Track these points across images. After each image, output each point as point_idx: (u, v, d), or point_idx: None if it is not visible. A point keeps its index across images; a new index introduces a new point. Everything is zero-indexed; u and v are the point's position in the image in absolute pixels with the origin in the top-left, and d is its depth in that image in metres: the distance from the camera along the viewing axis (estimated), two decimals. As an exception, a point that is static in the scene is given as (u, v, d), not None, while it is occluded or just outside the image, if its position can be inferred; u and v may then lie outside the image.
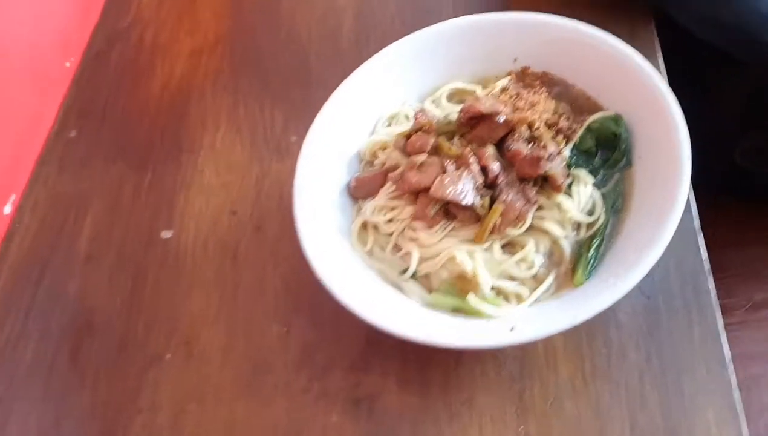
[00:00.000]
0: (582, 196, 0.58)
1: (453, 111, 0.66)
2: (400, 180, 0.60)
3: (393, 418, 0.57)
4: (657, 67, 0.68)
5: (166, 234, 0.77)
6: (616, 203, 0.59)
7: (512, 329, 0.51)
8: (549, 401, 0.55)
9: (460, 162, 0.59)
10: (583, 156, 0.61)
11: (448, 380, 0.58)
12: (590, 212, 0.59)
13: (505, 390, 0.56)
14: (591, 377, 0.55)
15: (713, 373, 0.54)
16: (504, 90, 0.66)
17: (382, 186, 0.64)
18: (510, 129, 0.60)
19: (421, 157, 0.59)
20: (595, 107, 0.64)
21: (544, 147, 0.58)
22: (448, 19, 0.70)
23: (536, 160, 0.57)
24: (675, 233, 0.50)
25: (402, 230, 0.61)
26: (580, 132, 0.61)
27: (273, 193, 0.76)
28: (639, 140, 0.60)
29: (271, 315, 0.66)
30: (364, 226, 0.64)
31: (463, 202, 0.56)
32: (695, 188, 0.58)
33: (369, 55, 0.70)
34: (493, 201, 0.58)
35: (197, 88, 0.90)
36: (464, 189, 0.57)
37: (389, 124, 0.69)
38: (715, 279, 0.58)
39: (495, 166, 0.58)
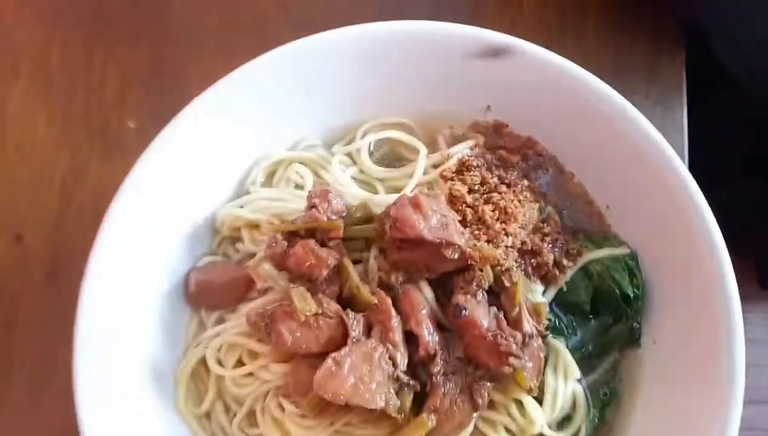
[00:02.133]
0: (558, 399, 0.36)
1: (377, 180, 0.42)
2: (266, 329, 0.35)
3: None
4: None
5: None
6: (607, 401, 0.37)
7: None
8: None
9: (374, 319, 0.34)
10: (568, 314, 0.38)
11: None
12: (566, 419, 0.37)
13: None
14: None
15: None
16: (464, 168, 0.40)
17: (241, 298, 0.39)
18: (463, 268, 0.35)
19: (309, 307, 0.34)
20: (600, 225, 0.40)
21: (517, 322, 0.34)
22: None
23: (502, 356, 0.33)
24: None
25: (263, 394, 0.37)
26: (570, 273, 0.38)
27: (83, 215, 0.49)
28: (660, 306, 0.38)
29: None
30: (203, 363, 0.39)
31: (370, 406, 0.32)
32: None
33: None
34: (418, 398, 0.34)
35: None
36: (374, 383, 0.33)
37: (270, 176, 0.43)
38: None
39: (431, 340, 0.34)
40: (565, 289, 0.39)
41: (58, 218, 0.51)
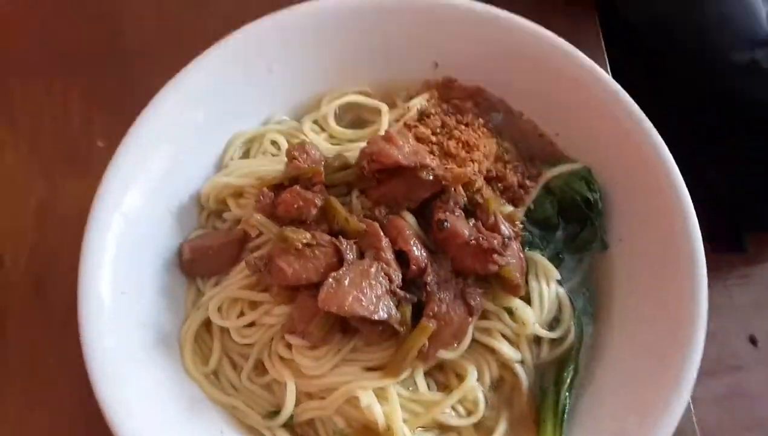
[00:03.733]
0: (545, 300, 0.39)
1: (348, 142, 0.45)
2: (266, 268, 0.37)
3: None
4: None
5: None
6: (588, 308, 0.40)
7: None
8: None
9: (365, 244, 0.37)
10: (539, 229, 0.42)
11: None
12: (555, 321, 0.40)
13: None
14: None
15: None
16: (424, 116, 0.44)
17: (234, 261, 0.40)
18: (439, 190, 0.38)
19: (302, 236, 0.36)
20: (554, 153, 0.45)
21: (494, 228, 0.37)
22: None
23: (486, 253, 0.36)
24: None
25: (269, 340, 0.38)
26: (535, 193, 0.42)
27: (65, 227, 0.48)
28: (619, 209, 0.42)
29: None
30: (206, 327, 0.40)
31: (374, 317, 0.34)
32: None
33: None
34: (416, 309, 0.36)
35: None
36: (374, 296, 0.35)
37: (246, 154, 0.45)
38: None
39: (420, 255, 0.37)
40: (532, 207, 0.42)
41: (39, 236, 0.51)
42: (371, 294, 0.35)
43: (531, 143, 0.45)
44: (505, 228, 0.38)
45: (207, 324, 0.41)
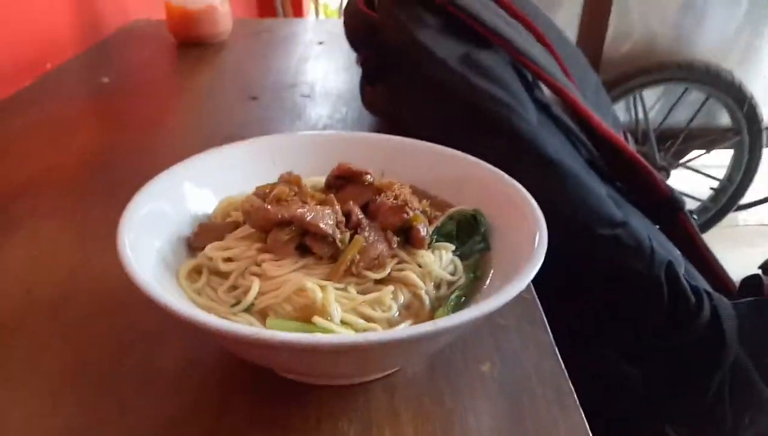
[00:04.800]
0: (444, 258, 0.56)
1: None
2: (252, 211, 0.54)
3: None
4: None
5: None
6: (476, 272, 0.56)
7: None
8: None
9: (324, 204, 0.56)
10: (443, 238, 0.60)
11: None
12: (452, 274, 0.55)
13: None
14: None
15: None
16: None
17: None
18: (377, 193, 0.59)
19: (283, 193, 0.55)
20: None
21: (409, 206, 0.57)
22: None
23: (400, 208, 0.55)
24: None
25: (244, 269, 0.53)
26: (442, 219, 0.61)
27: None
28: (497, 230, 0.61)
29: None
30: (198, 270, 0.55)
31: (322, 228, 0.51)
32: None
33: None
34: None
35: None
36: (326, 222, 0.53)
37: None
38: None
39: (358, 211, 0.55)
40: (439, 225, 0.61)
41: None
42: (323, 219, 0.53)
43: (442, 206, 0.66)
44: (417, 204, 0.57)
45: (198, 270, 0.55)
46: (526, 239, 0.54)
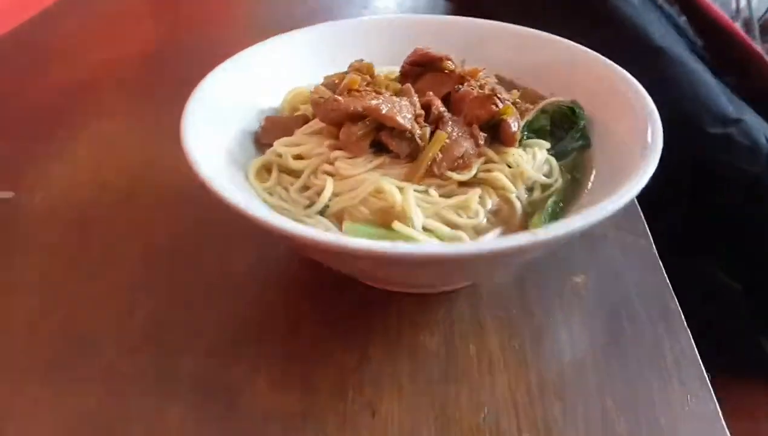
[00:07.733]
0: (538, 157, 0.49)
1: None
2: (322, 103, 0.49)
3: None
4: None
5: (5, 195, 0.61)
6: (575, 173, 0.50)
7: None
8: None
9: (400, 95, 0.49)
10: (536, 135, 0.53)
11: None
12: (546, 176, 0.49)
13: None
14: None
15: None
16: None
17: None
18: (459, 82, 0.52)
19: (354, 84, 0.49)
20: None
21: (498, 96, 0.50)
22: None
23: (487, 99, 0.48)
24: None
25: (316, 167, 0.48)
26: (533, 112, 0.54)
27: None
28: (598, 124, 0.53)
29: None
30: (267, 168, 0.50)
31: (400, 122, 0.45)
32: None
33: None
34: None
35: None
36: (402, 113, 0.46)
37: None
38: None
39: (439, 104, 0.49)
40: (530, 120, 0.54)
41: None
42: (400, 111, 0.47)
43: (533, 97, 0.58)
44: (507, 96, 0.50)
45: (268, 168, 0.51)
46: (635, 133, 0.46)
